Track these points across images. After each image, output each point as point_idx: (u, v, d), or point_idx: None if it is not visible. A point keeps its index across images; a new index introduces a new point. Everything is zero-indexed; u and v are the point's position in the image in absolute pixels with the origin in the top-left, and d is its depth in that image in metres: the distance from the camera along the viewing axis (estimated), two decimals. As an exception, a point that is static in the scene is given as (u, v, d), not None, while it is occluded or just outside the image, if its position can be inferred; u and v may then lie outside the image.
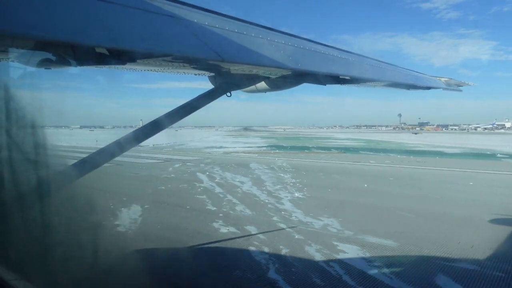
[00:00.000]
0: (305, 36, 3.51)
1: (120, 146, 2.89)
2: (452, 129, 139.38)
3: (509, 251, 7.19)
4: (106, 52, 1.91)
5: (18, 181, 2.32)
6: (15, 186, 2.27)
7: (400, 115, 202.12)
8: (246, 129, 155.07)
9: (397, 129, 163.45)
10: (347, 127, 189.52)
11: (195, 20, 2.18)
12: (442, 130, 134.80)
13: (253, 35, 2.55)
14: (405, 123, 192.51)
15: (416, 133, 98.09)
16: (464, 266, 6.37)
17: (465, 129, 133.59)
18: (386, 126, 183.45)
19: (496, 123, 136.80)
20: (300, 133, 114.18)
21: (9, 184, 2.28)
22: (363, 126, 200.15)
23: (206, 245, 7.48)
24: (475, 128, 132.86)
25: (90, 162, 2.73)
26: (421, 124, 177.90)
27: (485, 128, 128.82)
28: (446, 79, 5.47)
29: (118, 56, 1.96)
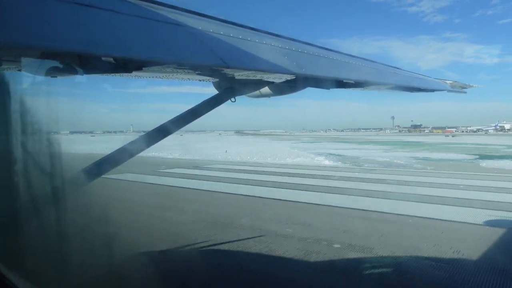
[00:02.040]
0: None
1: (128, 152, 2.92)
2: (461, 132, 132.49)
3: None
4: (113, 61, 1.94)
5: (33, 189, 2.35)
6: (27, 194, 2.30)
7: (393, 117, 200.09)
8: (238, 132, 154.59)
9: (403, 131, 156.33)
10: (342, 130, 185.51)
11: (200, 28, 2.20)
12: (453, 131, 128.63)
13: (257, 41, 2.57)
14: (399, 126, 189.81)
15: (453, 136, 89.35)
16: None
17: (476, 131, 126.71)
18: (391, 129, 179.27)
19: (499, 124, 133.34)
20: (337, 136, 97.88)
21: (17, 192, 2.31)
22: (362, 129, 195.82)
23: None
24: (487, 130, 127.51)
25: (99, 167, 2.76)
26: (415, 127, 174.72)
27: (497, 130, 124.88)
28: (451, 82, 5.47)
29: (125, 64, 1.99)
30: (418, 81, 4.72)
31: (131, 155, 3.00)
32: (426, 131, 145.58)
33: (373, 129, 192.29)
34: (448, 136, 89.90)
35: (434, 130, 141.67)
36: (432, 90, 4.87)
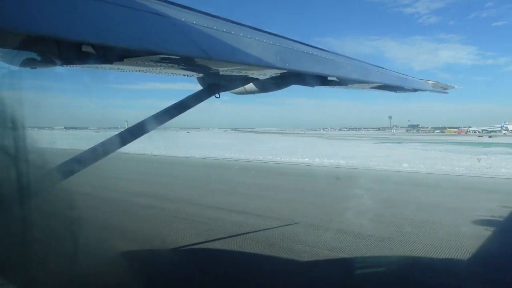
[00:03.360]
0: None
1: (108, 147, 2.87)
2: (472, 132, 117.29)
3: None
4: (93, 51, 1.89)
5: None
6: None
7: (390, 117, 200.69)
8: (236, 130, 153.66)
9: (411, 131, 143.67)
10: (340, 129, 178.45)
11: (183, 19, 2.18)
12: (466, 133, 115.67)
13: (241, 35, 2.56)
14: (396, 125, 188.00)
15: (490, 136, 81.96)
16: None
17: (490, 131, 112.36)
18: (396, 129, 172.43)
19: (505, 125, 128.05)
20: (372, 136, 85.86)
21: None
22: (363, 128, 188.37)
23: None
24: (499, 130, 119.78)
25: (79, 161, 2.71)
26: (412, 127, 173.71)
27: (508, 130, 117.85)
28: (433, 82, 5.57)
29: (105, 54, 1.95)
30: (401, 81, 4.78)
31: (114, 149, 2.94)
32: (436, 131, 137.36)
33: (371, 128, 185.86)
34: (481, 136, 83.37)
35: (446, 131, 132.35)
36: (415, 90, 4.94)
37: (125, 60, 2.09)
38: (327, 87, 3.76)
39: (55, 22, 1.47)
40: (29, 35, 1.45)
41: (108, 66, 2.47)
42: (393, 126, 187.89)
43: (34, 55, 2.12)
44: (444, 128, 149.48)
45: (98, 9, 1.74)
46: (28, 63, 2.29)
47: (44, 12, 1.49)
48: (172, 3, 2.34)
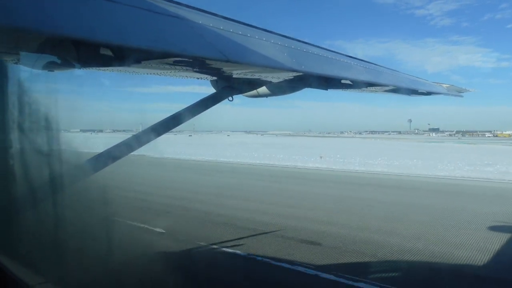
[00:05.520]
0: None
1: (125, 148, 2.91)
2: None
3: None
4: (111, 54, 1.92)
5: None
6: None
7: (410, 120, 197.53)
8: (250, 133, 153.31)
9: (455, 135, 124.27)
10: (360, 133, 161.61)
11: (200, 22, 2.19)
12: None
13: (256, 37, 2.57)
14: (418, 129, 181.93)
15: None
16: None
17: None
18: (436, 133, 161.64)
19: None
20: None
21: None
22: (393, 132, 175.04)
23: None
24: None
25: (104, 158, 2.75)
26: (432, 130, 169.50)
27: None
28: (447, 85, 5.50)
29: (123, 57, 1.97)
30: (415, 84, 4.73)
31: (132, 149, 2.99)
32: (487, 135, 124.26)
33: (392, 132, 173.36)
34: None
35: (499, 134, 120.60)
36: (429, 93, 4.88)
37: (142, 62, 2.11)
38: (340, 90, 3.74)
39: (76, 24, 1.49)
40: (51, 36, 1.48)
41: (124, 68, 2.50)
42: (415, 129, 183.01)
43: (54, 58, 2.15)
44: (466, 131, 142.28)
45: (118, 12, 1.76)
46: (48, 66, 2.33)
47: (65, 14, 1.51)
48: (189, 6, 2.36)
